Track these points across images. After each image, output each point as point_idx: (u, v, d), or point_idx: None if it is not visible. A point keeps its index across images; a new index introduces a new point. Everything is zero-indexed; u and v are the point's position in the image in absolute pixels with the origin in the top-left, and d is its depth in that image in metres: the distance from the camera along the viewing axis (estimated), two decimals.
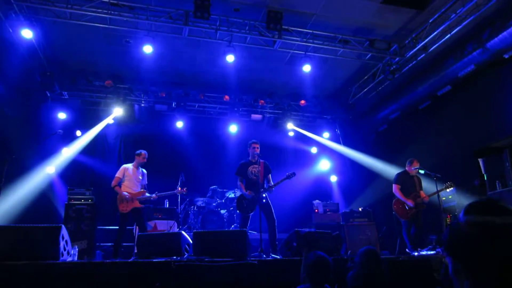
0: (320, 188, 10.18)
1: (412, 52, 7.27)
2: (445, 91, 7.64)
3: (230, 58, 6.95)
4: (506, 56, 6.37)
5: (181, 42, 7.28)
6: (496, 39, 6.15)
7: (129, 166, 6.35)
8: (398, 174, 6.46)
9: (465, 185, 7.10)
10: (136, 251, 5.15)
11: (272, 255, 4.96)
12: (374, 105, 9.56)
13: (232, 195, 8.30)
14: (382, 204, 8.32)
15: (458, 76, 7.16)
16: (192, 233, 4.44)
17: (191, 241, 4.47)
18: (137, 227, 6.38)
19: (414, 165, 6.28)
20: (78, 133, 8.90)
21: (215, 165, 9.63)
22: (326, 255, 3.06)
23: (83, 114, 9.01)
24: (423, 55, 7.27)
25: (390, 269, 3.21)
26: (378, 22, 6.92)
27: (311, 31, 7.05)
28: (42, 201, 7.97)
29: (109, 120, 8.91)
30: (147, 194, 6.27)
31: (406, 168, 6.40)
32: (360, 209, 8.21)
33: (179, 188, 6.46)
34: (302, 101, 9.74)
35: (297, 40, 7.05)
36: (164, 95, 8.98)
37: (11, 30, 6.17)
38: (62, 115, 8.78)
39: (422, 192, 6.20)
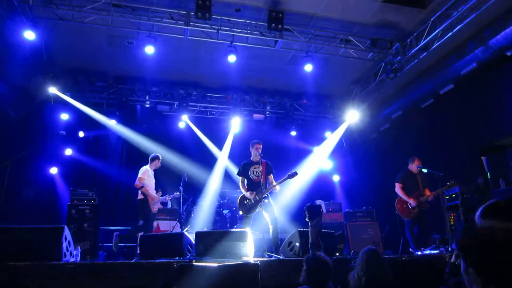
0: (323, 187, 10.17)
1: (414, 50, 7.24)
2: (448, 89, 7.60)
3: (231, 58, 6.95)
4: (508, 54, 6.33)
5: (183, 43, 7.29)
6: (498, 36, 6.11)
7: (148, 168, 6.44)
8: (401, 173, 6.43)
9: (468, 183, 7.07)
10: (138, 251, 5.16)
11: (275, 255, 4.95)
12: (376, 104, 9.54)
13: (234, 195, 8.30)
14: (385, 204, 8.29)
15: (461, 74, 7.12)
16: (194, 234, 4.44)
17: (193, 242, 4.47)
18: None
19: (415, 163, 6.25)
20: (81, 134, 8.94)
21: (217, 166, 9.62)
22: (327, 256, 3.05)
23: (85, 115, 9.04)
24: (425, 53, 7.24)
25: (393, 268, 3.19)
26: (380, 21, 6.90)
27: (312, 30, 7.05)
28: (45, 202, 8.00)
29: (111, 120, 8.93)
30: (161, 197, 6.65)
31: (409, 167, 6.38)
32: (363, 208, 8.19)
33: (177, 193, 6.85)
34: (304, 101, 9.73)
35: (298, 40, 7.04)
36: (166, 96, 9.00)
37: (14, 32, 6.20)
38: (64, 116, 8.81)
39: (427, 190, 6.16)
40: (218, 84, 9.14)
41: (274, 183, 5.64)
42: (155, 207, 6.28)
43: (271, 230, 5.42)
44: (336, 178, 10.72)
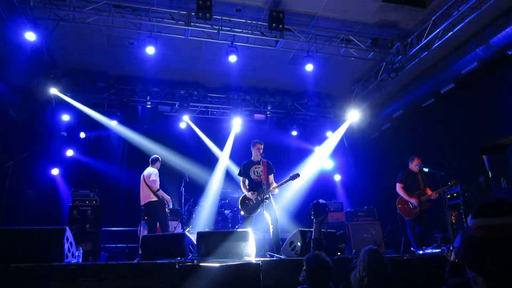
0: (324, 187, 10.17)
1: (414, 50, 7.23)
2: (449, 88, 7.60)
3: (232, 58, 6.95)
4: (509, 53, 6.32)
5: (183, 43, 7.30)
6: (499, 35, 6.10)
7: (157, 170, 6.53)
8: (401, 173, 6.42)
9: (470, 182, 7.06)
10: (140, 252, 5.16)
11: (276, 255, 4.95)
12: (377, 104, 9.53)
13: (236, 195, 8.31)
14: (386, 203, 8.28)
15: (462, 73, 7.11)
16: (196, 234, 4.44)
17: (195, 242, 4.47)
18: (145, 228, 6.46)
19: (415, 163, 6.24)
20: (82, 134, 8.95)
21: (218, 166, 9.63)
22: (328, 256, 3.04)
23: (86, 115, 9.06)
24: (426, 53, 7.23)
25: (394, 268, 3.19)
26: (380, 21, 6.90)
27: (313, 30, 7.04)
28: (46, 202, 8.02)
29: (112, 121, 8.95)
30: None
31: (409, 166, 6.37)
32: (364, 208, 8.18)
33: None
34: (305, 100, 9.73)
35: (299, 40, 7.04)
36: (167, 96, 9.01)
37: (15, 33, 6.22)
38: (66, 117, 8.83)
39: (428, 189, 6.16)
40: (219, 84, 9.15)
41: (275, 184, 5.63)
42: (168, 208, 6.50)
43: (271, 230, 5.42)
44: (337, 177, 10.72)
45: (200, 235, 4.38)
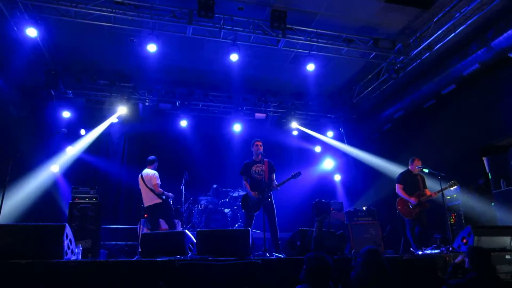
0: (324, 187, 10.17)
1: (416, 51, 7.23)
2: (450, 89, 7.60)
3: (234, 57, 6.95)
4: (510, 55, 6.32)
5: (185, 41, 7.29)
6: (500, 37, 6.11)
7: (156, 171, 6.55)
8: (401, 174, 6.43)
9: (469, 184, 7.07)
10: (140, 250, 5.17)
11: (276, 254, 4.96)
12: (379, 104, 9.53)
13: (236, 194, 8.31)
14: (386, 203, 8.29)
15: (463, 75, 7.12)
16: (196, 232, 4.45)
17: (194, 240, 4.48)
18: (145, 226, 6.48)
19: (416, 164, 6.25)
20: (83, 131, 8.95)
21: (219, 164, 9.64)
22: (327, 256, 3.05)
23: (87, 112, 9.06)
24: (428, 54, 7.23)
25: (394, 268, 3.20)
26: (383, 21, 6.89)
27: (315, 30, 7.04)
28: (46, 199, 8.02)
29: (113, 119, 8.94)
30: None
31: (409, 167, 6.38)
32: (364, 208, 8.18)
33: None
34: (306, 100, 9.74)
35: (301, 39, 7.04)
36: (168, 94, 9.01)
37: (16, 29, 6.21)
38: (66, 114, 8.83)
39: (427, 190, 6.17)
40: (220, 82, 9.14)
41: (276, 183, 5.63)
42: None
43: (271, 229, 5.43)
44: (337, 177, 10.72)
45: (200, 233, 4.39)
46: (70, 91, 8.62)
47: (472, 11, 6.01)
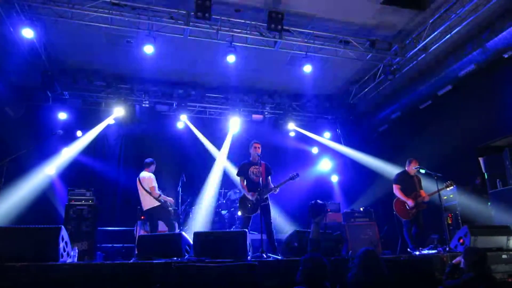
0: (321, 188, 10.17)
1: (412, 52, 7.26)
2: (446, 90, 7.64)
3: (231, 58, 6.95)
4: (505, 56, 6.37)
5: (182, 43, 7.28)
6: (496, 39, 6.15)
7: (152, 174, 6.52)
8: (398, 174, 6.45)
9: (466, 184, 7.10)
10: (136, 252, 5.14)
11: (273, 256, 4.95)
12: (375, 105, 9.56)
13: (233, 196, 8.29)
14: (383, 204, 8.31)
15: (459, 76, 7.16)
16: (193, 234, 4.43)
17: (191, 242, 4.46)
18: (142, 228, 6.45)
19: (413, 165, 6.27)
20: (79, 133, 8.90)
21: (216, 166, 9.61)
22: (323, 257, 3.05)
23: (83, 114, 9.01)
24: (424, 55, 7.27)
25: (391, 268, 3.20)
26: (379, 23, 6.92)
27: (312, 31, 7.05)
28: (42, 201, 7.96)
29: (110, 120, 8.91)
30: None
31: (406, 168, 6.39)
32: (361, 209, 8.20)
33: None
34: (303, 101, 9.75)
35: (298, 41, 7.05)
36: (165, 95, 8.99)
37: (12, 29, 6.18)
38: (62, 115, 8.79)
39: (422, 192, 6.19)
40: (217, 84, 9.13)
41: (272, 185, 5.63)
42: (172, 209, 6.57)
43: (267, 230, 5.42)
44: (334, 178, 10.73)
45: (196, 235, 4.37)
46: (66, 92, 8.58)
47: (467, 12, 6.04)
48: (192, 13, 6.10)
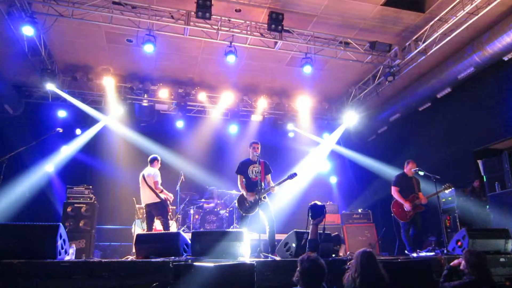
0: (320, 189, 10.17)
1: (412, 54, 7.27)
2: (445, 93, 7.66)
3: (231, 58, 6.95)
4: (505, 59, 6.39)
5: (182, 42, 7.28)
6: (495, 41, 6.17)
7: (157, 170, 6.52)
8: (397, 176, 6.45)
9: (464, 186, 7.11)
10: (134, 250, 5.14)
11: (271, 256, 4.95)
12: (375, 107, 9.57)
13: (231, 196, 8.29)
14: (381, 206, 8.32)
15: (458, 79, 7.18)
16: (191, 233, 4.43)
17: (189, 241, 4.46)
18: (139, 226, 6.46)
19: (411, 166, 6.27)
20: (78, 131, 8.90)
21: (214, 166, 9.62)
22: (321, 258, 3.05)
23: (83, 112, 9.00)
24: (423, 57, 7.28)
25: (388, 270, 3.20)
26: (379, 25, 6.93)
27: (312, 32, 7.06)
28: (40, 199, 7.96)
29: (109, 118, 8.91)
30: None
31: (404, 170, 6.40)
32: (359, 210, 8.21)
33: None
34: (301, 102, 9.75)
35: (298, 42, 7.05)
36: (164, 95, 8.98)
37: (12, 27, 6.17)
38: (62, 113, 8.78)
39: (420, 194, 6.19)
40: (217, 83, 9.14)
41: (272, 183, 5.63)
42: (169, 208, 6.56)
43: (267, 230, 5.42)
44: (333, 179, 10.74)
45: (195, 234, 4.37)
46: (66, 90, 8.57)
47: (467, 15, 6.06)
48: (193, 13, 6.10)
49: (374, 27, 6.99)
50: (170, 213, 6.55)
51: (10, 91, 8.17)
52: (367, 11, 6.53)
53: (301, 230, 4.74)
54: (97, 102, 9.03)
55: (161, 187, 6.33)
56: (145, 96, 9.07)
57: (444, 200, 7.11)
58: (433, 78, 7.67)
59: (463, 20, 6.15)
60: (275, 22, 6.35)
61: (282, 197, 8.55)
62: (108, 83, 8.36)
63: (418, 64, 7.52)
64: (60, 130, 6.52)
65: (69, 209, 6.74)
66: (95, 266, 3.77)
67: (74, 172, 8.69)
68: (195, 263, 3.65)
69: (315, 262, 2.97)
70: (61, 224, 4.11)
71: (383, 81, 8.20)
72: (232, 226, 7.84)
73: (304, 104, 9.66)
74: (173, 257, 4.09)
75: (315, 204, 4.22)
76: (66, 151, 8.66)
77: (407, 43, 7.34)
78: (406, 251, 5.95)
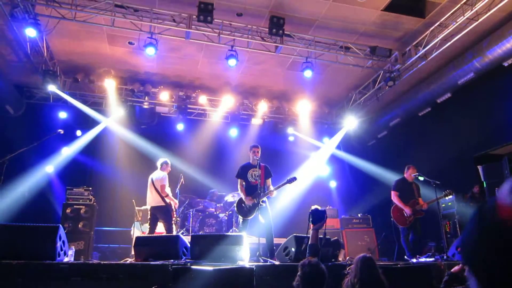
0: (319, 193, 10.16)
1: (412, 59, 7.30)
2: (445, 98, 7.68)
3: (232, 62, 6.97)
4: (505, 64, 6.40)
5: (183, 45, 7.31)
6: (495, 47, 6.19)
7: (166, 174, 6.54)
8: (397, 181, 6.45)
9: (464, 192, 7.11)
10: (133, 253, 5.13)
11: (270, 260, 4.94)
12: (374, 111, 9.58)
13: (231, 199, 8.28)
14: (381, 210, 8.30)
15: (458, 84, 7.19)
16: (190, 236, 4.43)
17: (188, 245, 4.45)
18: (138, 229, 6.46)
19: (411, 171, 6.28)
20: (79, 133, 8.91)
21: (214, 169, 9.62)
22: (321, 263, 3.04)
23: (84, 113, 9.02)
24: (423, 62, 7.30)
25: (388, 276, 3.19)
26: (379, 30, 6.96)
27: (312, 37, 7.09)
28: (40, 200, 7.95)
29: (110, 120, 8.92)
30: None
31: (404, 175, 6.40)
32: (359, 215, 8.19)
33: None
34: (301, 106, 9.77)
35: (298, 46, 7.08)
36: (165, 97, 9.00)
37: (15, 29, 6.20)
38: (63, 114, 8.80)
39: (420, 199, 6.19)
40: (218, 87, 9.16)
41: (272, 188, 5.63)
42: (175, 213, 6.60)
43: (266, 234, 5.41)
44: (333, 184, 10.73)
45: (194, 237, 4.37)
46: (67, 92, 8.59)
47: (467, 20, 6.08)
48: (194, 16, 6.13)
49: (375, 32, 7.02)
50: (174, 218, 6.54)
51: (12, 92, 8.18)
52: (367, 16, 6.56)
53: (301, 235, 4.74)
54: (98, 104, 9.04)
55: (167, 192, 6.35)
56: (146, 98, 9.08)
57: (444, 205, 7.10)
58: (433, 83, 7.68)
59: (463, 25, 6.18)
60: (276, 26, 6.39)
61: (281, 201, 8.54)
62: (109, 85, 8.38)
63: (418, 69, 7.54)
64: (62, 131, 6.54)
65: (68, 211, 6.73)
66: (94, 268, 3.77)
67: (74, 173, 8.69)
68: (194, 267, 3.65)
69: (316, 267, 2.96)
70: (60, 225, 4.11)
71: (383, 86, 8.22)
72: (231, 230, 7.82)
73: (304, 108, 9.67)
74: (172, 260, 4.08)
75: (316, 209, 4.23)
76: (67, 153, 8.67)
77: (407, 48, 7.36)
78: (405, 257, 5.94)
